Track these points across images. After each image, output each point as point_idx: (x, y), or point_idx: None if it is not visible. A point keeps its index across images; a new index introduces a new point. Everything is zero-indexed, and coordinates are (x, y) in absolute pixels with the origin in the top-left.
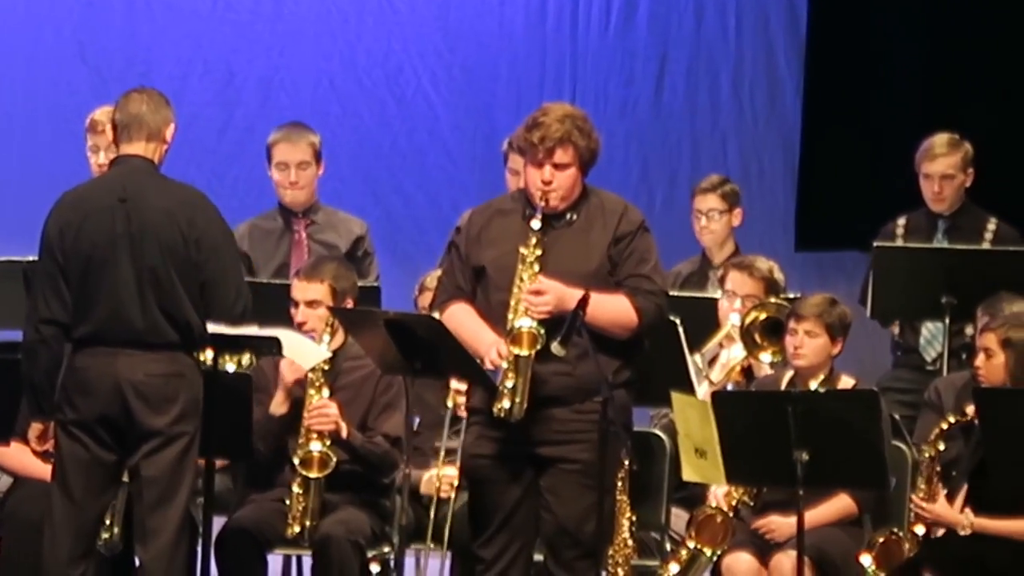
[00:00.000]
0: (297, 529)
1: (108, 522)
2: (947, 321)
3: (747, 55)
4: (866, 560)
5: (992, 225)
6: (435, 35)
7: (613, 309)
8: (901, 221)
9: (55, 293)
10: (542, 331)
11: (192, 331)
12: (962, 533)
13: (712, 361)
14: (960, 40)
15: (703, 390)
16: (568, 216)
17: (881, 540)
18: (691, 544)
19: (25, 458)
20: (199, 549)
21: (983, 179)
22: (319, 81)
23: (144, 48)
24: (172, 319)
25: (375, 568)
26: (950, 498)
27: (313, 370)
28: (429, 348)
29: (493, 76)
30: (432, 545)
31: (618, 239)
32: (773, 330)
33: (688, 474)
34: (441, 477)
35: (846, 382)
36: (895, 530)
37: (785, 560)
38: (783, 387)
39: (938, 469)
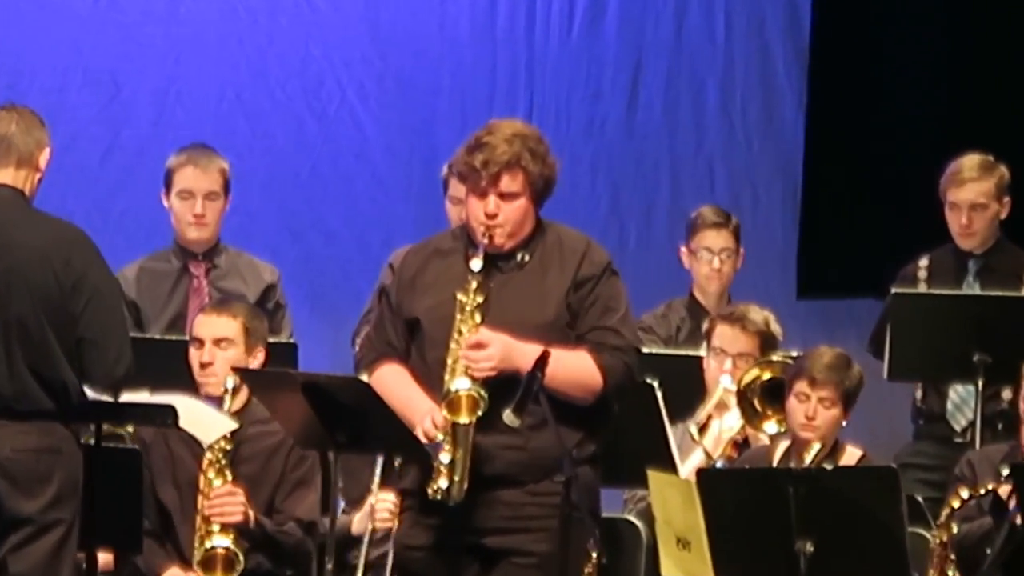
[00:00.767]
0: None
1: None
2: (980, 383)
3: (738, 62)
4: None
5: None
6: (363, 39)
7: (573, 368)
8: (923, 262)
9: None
10: (484, 394)
11: (69, 397)
12: None
13: (702, 430)
14: (992, 43)
15: (688, 467)
16: (518, 257)
17: None
18: None
19: None
20: None
21: (1022, 210)
22: (223, 94)
23: (13, 55)
24: (45, 382)
25: None
26: None
27: (214, 446)
28: (355, 417)
29: (433, 88)
30: None
31: (579, 284)
32: (775, 394)
33: (668, 569)
34: (377, 504)
35: (852, 454)
36: None
37: None
38: (776, 461)
39: (952, 557)
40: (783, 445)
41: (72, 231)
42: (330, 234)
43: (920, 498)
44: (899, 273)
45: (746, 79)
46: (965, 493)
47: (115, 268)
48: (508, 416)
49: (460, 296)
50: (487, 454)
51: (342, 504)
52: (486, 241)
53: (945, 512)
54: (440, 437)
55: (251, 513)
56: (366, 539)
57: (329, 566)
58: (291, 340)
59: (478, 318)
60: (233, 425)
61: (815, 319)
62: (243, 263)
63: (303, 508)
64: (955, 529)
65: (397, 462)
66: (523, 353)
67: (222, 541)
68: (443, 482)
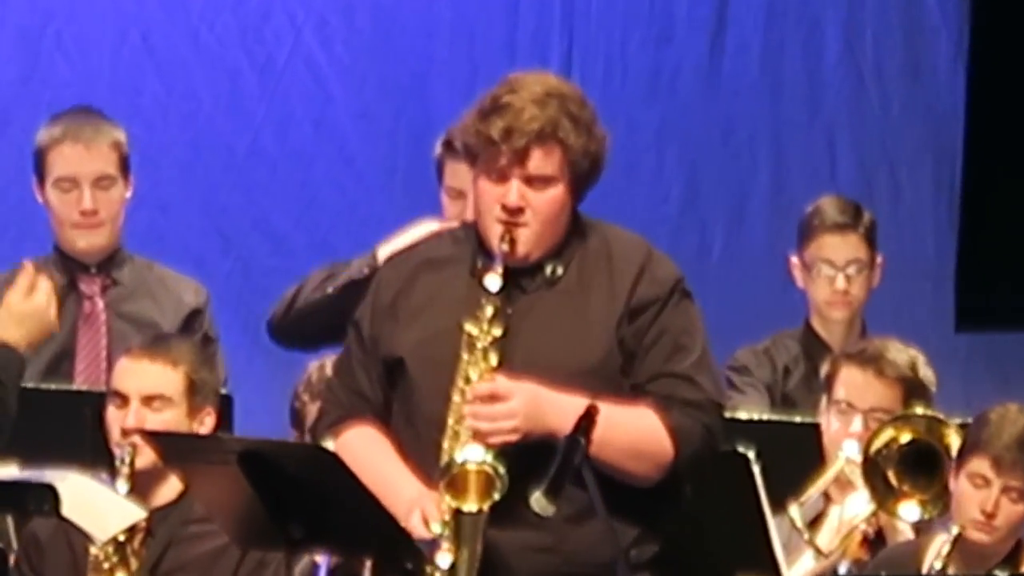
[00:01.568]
0: None
1: None
2: None
3: None
4: None
5: None
6: None
7: (630, 432)
8: None
9: None
10: (501, 470)
11: None
12: None
13: (815, 522)
14: None
15: (798, 574)
16: (548, 270)
17: None
18: None
19: None
20: None
21: None
22: (122, 36)
23: None
24: None
25: None
26: None
27: (117, 542)
28: (316, 502)
29: (427, 28)
30: None
31: (636, 311)
32: (919, 464)
33: None
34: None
35: None
36: None
37: None
38: (933, 566)
39: None
40: (938, 542)
41: None
42: (278, 238)
43: None
44: None
45: (881, 15)
46: None
47: None
48: (538, 501)
49: (469, 327)
50: (506, 557)
51: None
52: (505, 247)
53: None
54: (438, 530)
55: None
56: None
57: None
58: (223, 390)
59: (493, 359)
60: (139, 513)
61: (979, 360)
62: (155, 278)
63: None
64: None
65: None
66: (559, 409)
67: None
68: None
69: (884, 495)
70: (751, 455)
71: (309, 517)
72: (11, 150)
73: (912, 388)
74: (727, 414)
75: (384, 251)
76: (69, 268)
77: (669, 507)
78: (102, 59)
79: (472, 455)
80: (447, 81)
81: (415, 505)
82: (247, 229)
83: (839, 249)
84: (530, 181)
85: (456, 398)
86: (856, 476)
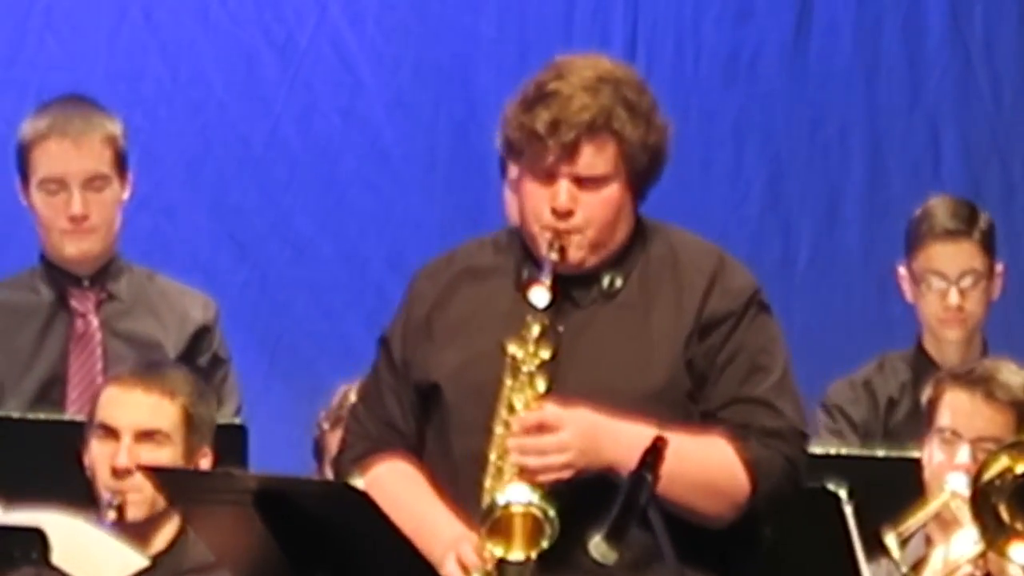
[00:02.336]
0: None
1: None
2: None
3: None
4: None
5: None
6: None
7: (702, 466)
8: None
9: None
10: (551, 512)
11: None
12: None
13: (916, 567)
14: None
15: None
16: (605, 281)
17: None
18: None
19: None
20: None
21: None
22: (121, 10)
23: None
24: None
25: None
26: None
27: None
28: (341, 547)
29: (472, 1)
30: None
31: (707, 327)
32: None
33: None
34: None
35: None
36: None
37: None
38: None
39: None
40: None
41: None
42: (300, 245)
43: None
44: None
45: None
46: None
47: None
48: (598, 547)
49: (513, 349)
50: None
51: None
52: (554, 256)
53: None
54: None
55: None
56: None
57: None
58: (238, 419)
59: (541, 386)
60: (141, 563)
61: None
62: (156, 291)
63: None
64: None
65: None
66: (618, 440)
67: None
68: None
69: (994, 533)
70: (842, 494)
71: (334, 564)
72: None
73: None
74: (817, 450)
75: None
76: (58, 281)
77: (746, 552)
78: (98, 39)
79: (517, 496)
80: (494, 65)
81: (454, 546)
82: (264, 234)
83: (951, 259)
84: (581, 180)
85: (499, 430)
86: (963, 513)
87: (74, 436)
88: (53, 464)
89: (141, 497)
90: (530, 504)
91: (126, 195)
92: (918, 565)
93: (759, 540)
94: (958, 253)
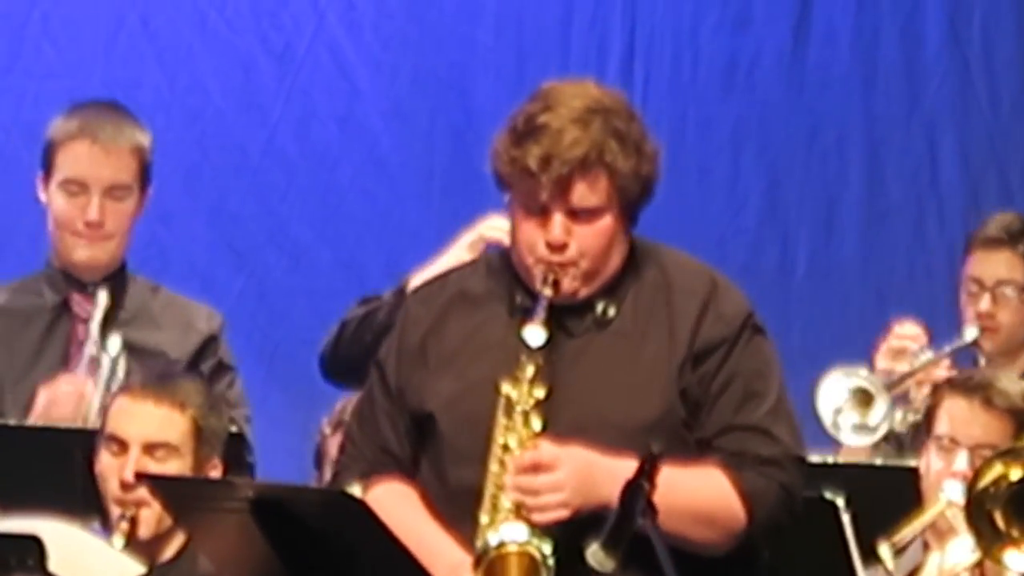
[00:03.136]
0: None
1: None
2: None
3: None
4: None
5: None
6: None
7: (697, 498)
8: None
9: None
10: (546, 550)
11: None
12: None
13: (913, 574)
14: None
15: None
16: (598, 309)
17: None
18: None
19: None
20: None
21: None
22: (120, 20)
23: None
24: None
25: None
26: None
27: None
28: (339, 554)
29: (470, 12)
30: None
31: (700, 355)
32: None
33: None
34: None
35: None
36: None
37: None
38: None
39: None
40: None
41: None
42: (298, 253)
43: None
44: None
45: None
46: None
47: None
48: (595, 555)
49: (507, 389)
50: None
51: None
52: (548, 292)
53: None
54: None
55: None
56: None
57: None
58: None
59: (536, 424)
60: (138, 571)
61: None
62: (160, 304)
63: None
64: None
65: None
66: (613, 478)
67: None
68: None
69: (990, 540)
70: (840, 502)
71: (332, 572)
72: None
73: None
74: (815, 459)
75: (417, 281)
76: (63, 285)
77: (743, 571)
78: (95, 46)
79: (512, 535)
80: (492, 73)
81: (454, 570)
82: (262, 242)
83: (987, 266)
84: (575, 213)
85: (494, 467)
86: (959, 521)
87: (70, 444)
88: (50, 472)
89: (152, 511)
90: (526, 543)
91: (143, 208)
92: (914, 573)
93: (757, 563)
94: (997, 262)
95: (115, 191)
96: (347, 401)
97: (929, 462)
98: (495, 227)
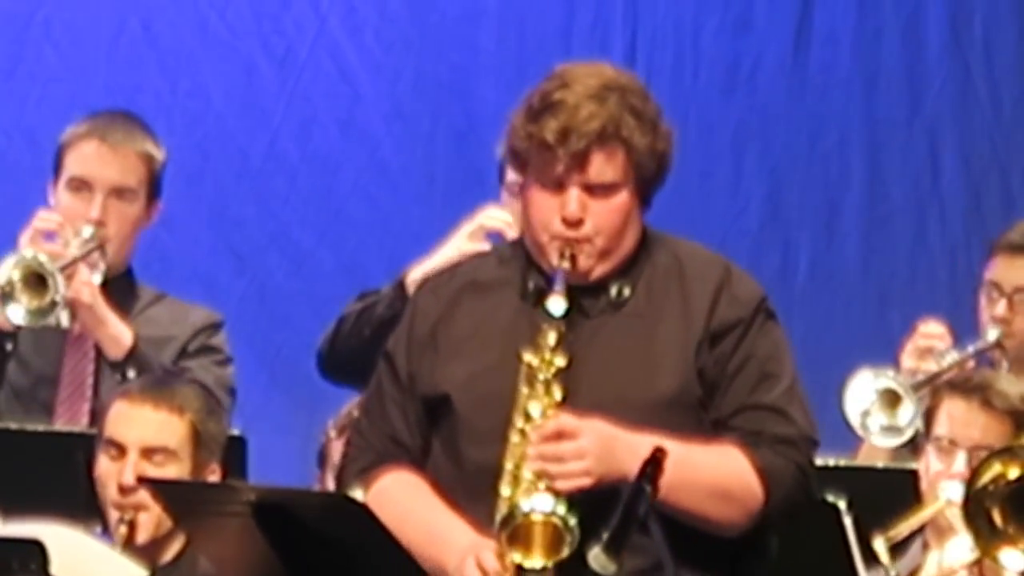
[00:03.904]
0: None
1: None
2: None
3: None
4: None
5: None
6: None
7: (715, 475)
8: None
9: None
10: (571, 520)
11: None
12: None
13: (913, 573)
14: None
15: None
16: (613, 291)
17: None
18: None
19: None
20: None
21: None
22: (121, 24)
23: None
24: None
25: None
26: None
27: None
28: (344, 561)
29: (471, 14)
30: None
31: (716, 335)
32: None
33: None
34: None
35: None
36: None
37: None
38: None
39: None
40: None
41: None
42: (300, 257)
43: None
44: None
45: None
46: None
47: None
48: (597, 559)
49: (529, 357)
50: None
51: None
52: (566, 265)
53: None
54: None
55: None
56: None
57: None
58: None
59: (557, 393)
60: (141, 574)
61: None
62: (161, 308)
63: None
64: None
65: None
66: (633, 450)
67: None
68: None
69: (988, 539)
70: (842, 505)
71: None
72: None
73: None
74: (817, 461)
75: (416, 275)
76: None
77: (754, 561)
78: (97, 51)
79: (540, 504)
80: (493, 77)
81: (469, 551)
82: (264, 246)
83: (1008, 272)
84: (591, 188)
85: (515, 439)
86: (958, 520)
87: (73, 448)
88: (52, 475)
89: (150, 515)
90: (552, 513)
91: (148, 222)
92: (914, 572)
93: (767, 550)
94: (1016, 268)
95: (120, 192)
96: (352, 405)
97: (928, 463)
98: (495, 216)
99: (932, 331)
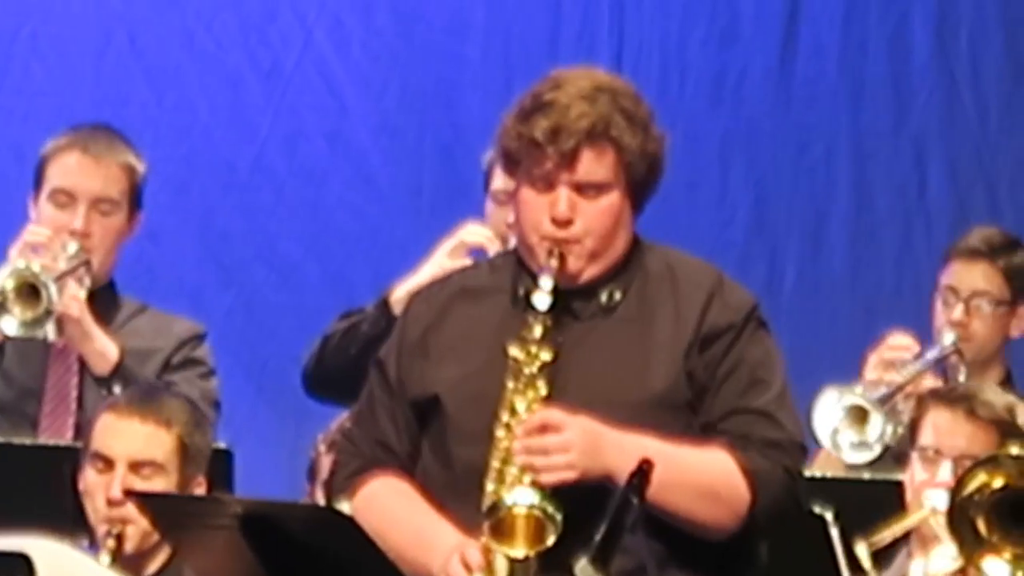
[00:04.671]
0: None
1: None
2: None
3: None
4: None
5: None
6: None
7: (702, 476)
8: None
9: None
10: (556, 514)
11: None
12: None
13: None
14: None
15: None
16: (603, 295)
17: None
18: None
19: None
20: None
21: None
22: (107, 37)
23: None
24: None
25: None
26: None
27: None
28: (326, 570)
29: (458, 25)
30: None
31: (707, 339)
32: (1014, 513)
33: None
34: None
35: None
36: None
37: None
38: None
39: None
40: None
41: None
42: (286, 270)
43: None
44: None
45: (978, 9)
46: None
47: None
48: (584, 571)
49: (514, 351)
50: None
51: None
52: (554, 263)
53: None
54: None
55: None
56: None
57: None
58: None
59: (543, 388)
60: None
61: None
62: (144, 320)
63: None
64: None
65: None
66: (618, 447)
67: None
68: None
69: (972, 547)
70: (828, 516)
71: None
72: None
73: (1008, 433)
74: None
75: (399, 293)
76: None
77: (742, 568)
78: (83, 64)
79: (522, 498)
80: (480, 89)
81: (455, 549)
82: (250, 259)
83: (963, 277)
84: (581, 188)
85: (500, 433)
86: (943, 529)
87: (60, 461)
88: (39, 489)
89: (137, 528)
90: (534, 506)
91: (130, 233)
92: None
93: (755, 556)
94: (971, 273)
95: (102, 204)
96: (343, 419)
97: (913, 473)
98: (476, 232)
99: (899, 343)
